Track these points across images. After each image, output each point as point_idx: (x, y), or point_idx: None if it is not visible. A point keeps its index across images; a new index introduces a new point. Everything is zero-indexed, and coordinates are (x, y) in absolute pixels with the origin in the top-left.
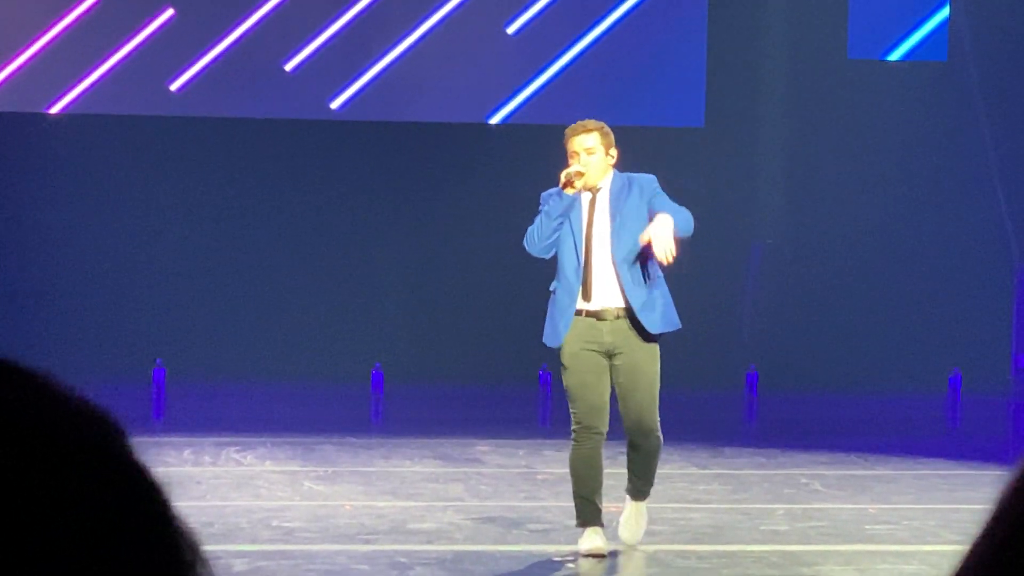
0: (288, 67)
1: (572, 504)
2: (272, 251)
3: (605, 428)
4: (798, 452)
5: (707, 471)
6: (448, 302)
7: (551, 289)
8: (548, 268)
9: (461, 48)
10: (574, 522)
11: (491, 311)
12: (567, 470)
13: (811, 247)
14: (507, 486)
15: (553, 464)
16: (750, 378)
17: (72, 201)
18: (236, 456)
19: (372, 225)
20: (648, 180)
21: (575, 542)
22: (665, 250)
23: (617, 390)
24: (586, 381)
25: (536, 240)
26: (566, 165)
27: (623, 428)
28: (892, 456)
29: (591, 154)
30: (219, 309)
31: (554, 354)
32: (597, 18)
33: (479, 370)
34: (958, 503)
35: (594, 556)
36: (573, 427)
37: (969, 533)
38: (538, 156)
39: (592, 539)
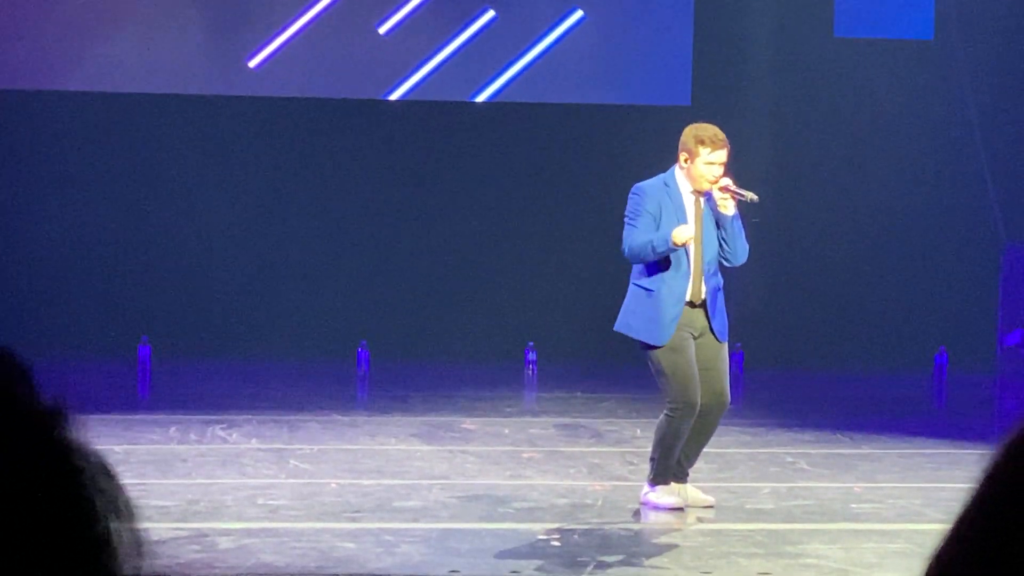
0: (255, 60)
1: (558, 483)
2: (257, 228)
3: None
4: (783, 431)
5: None
6: (434, 280)
7: (645, 287)
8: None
9: (444, 26)
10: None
11: (477, 289)
12: (552, 448)
13: (797, 226)
14: (493, 464)
15: (539, 442)
16: (736, 357)
17: (56, 178)
18: (222, 434)
19: (358, 203)
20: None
21: (561, 520)
22: (723, 198)
23: (701, 363)
24: (690, 360)
25: (637, 259)
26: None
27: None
28: (877, 435)
29: (722, 167)
30: (205, 286)
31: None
32: None
33: (465, 348)
34: (943, 482)
35: (675, 509)
36: (675, 404)
37: (953, 511)
38: (524, 135)
39: (674, 495)
